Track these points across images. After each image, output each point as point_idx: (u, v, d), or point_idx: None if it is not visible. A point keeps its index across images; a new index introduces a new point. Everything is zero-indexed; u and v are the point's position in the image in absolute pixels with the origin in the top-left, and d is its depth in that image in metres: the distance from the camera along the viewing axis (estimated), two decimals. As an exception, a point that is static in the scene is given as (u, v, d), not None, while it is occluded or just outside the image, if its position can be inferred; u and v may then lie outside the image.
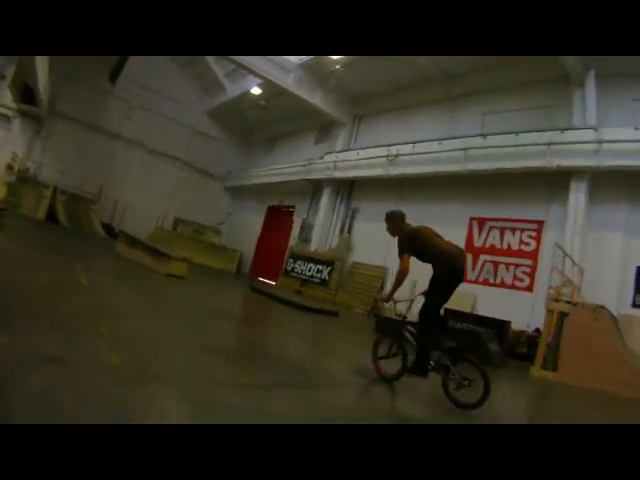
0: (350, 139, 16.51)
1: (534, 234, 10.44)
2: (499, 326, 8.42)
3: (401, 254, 3.66)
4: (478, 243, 11.33)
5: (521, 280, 10.33)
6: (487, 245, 11.16)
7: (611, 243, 9.19)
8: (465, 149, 11.07)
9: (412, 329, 3.82)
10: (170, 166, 20.96)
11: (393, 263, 9.46)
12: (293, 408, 2.61)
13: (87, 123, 18.51)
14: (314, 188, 16.78)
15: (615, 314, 7.71)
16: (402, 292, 3.85)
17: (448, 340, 3.59)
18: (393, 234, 3.93)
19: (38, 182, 16.77)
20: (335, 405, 2.90)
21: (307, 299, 11.84)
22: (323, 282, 14.21)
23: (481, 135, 11.14)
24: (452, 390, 3.49)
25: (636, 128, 8.66)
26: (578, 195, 9.55)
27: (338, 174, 15.18)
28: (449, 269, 3.56)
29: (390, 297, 3.81)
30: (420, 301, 3.74)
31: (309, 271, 14.81)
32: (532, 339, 9.02)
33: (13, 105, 16.80)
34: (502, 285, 10.58)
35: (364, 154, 14.25)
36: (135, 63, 17.50)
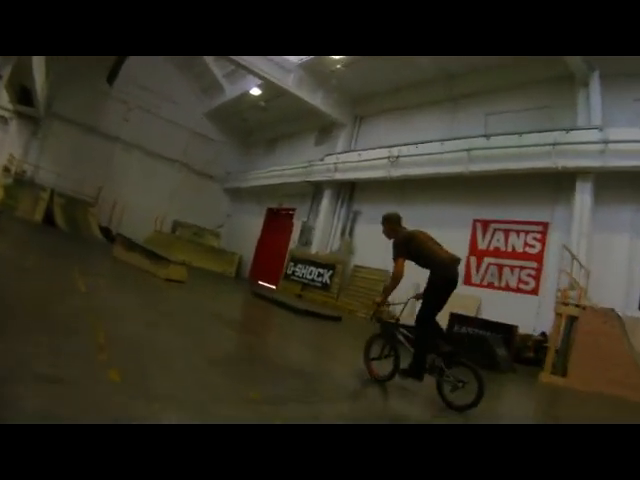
0: (351, 140, 16.36)
1: (539, 236, 10.30)
2: (506, 331, 8.28)
3: (396, 258, 3.72)
4: (482, 245, 11.18)
5: (526, 283, 10.17)
6: (491, 248, 11.01)
7: (617, 244, 9.08)
8: (468, 150, 10.93)
9: (405, 332, 3.89)
10: (169, 168, 20.76)
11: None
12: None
13: (85, 125, 18.30)
14: (314, 190, 16.61)
15: (621, 316, 7.58)
16: (402, 294, 3.79)
17: (445, 344, 3.61)
18: (389, 237, 3.97)
19: (35, 184, 16.59)
20: (346, 417, 2.74)
21: (308, 303, 11.67)
22: (324, 286, 14.03)
23: (484, 136, 11.01)
24: (446, 392, 3.54)
25: (642, 128, 8.56)
26: (584, 196, 9.41)
27: (339, 176, 15.02)
28: (442, 277, 3.61)
29: (384, 300, 3.87)
30: (413, 304, 3.78)
31: (310, 275, 14.63)
32: (539, 343, 8.88)
33: (10, 106, 16.61)
34: (507, 288, 10.43)
35: (365, 155, 14.10)
36: (133, 64, 17.36)
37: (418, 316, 3.67)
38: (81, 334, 3.08)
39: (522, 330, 8.93)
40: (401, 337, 3.88)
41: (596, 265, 8.85)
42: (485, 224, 11.25)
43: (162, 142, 20.06)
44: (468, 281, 10.99)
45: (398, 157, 12.78)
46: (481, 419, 3.35)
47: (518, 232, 10.61)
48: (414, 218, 11.43)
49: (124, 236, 10.72)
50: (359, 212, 15.02)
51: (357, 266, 13.99)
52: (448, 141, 11.70)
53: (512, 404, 5.15)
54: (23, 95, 15.41)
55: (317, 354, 5.64)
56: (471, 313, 9.87)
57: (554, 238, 9.99)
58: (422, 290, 3.74)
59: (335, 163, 15.13)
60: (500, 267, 10.67)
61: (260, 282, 17.17)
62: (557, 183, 10.12)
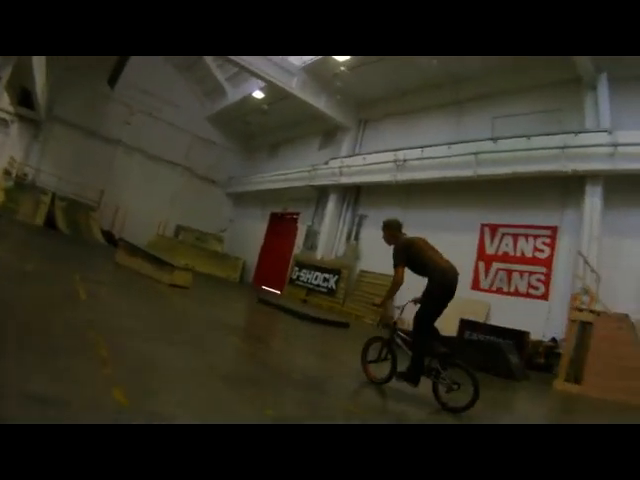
0: (355, 144, 16.22)
1: (548, 240, 10.13)
2: (518, 337, 8.10)
3: (396, 265, 3.76)
4: (490, 250, 11.02)
5: (536, 288, 10.00)
6: (500, 252, 10.83)
7: (627, 248, 8.94)
8: (476, 153, 10.79)
9: (403, 335, 3.93)
10: (171, 172, 20.64)
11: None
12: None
13: (86, 128, 18.20)
14: (319, 194, 16.44)
15: (632, 321, 7.43)
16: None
17: (441, 346, 3.64)
18: (389, 243, 4.01)
19: (36, 188, 16.48)
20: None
21: (314, 309, 11.49)
22: (330, 291, 13.86)
23: (492, 139, 10.88)
24: (442, 393, 3.58)
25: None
26: (594, 200, 9.28)
27: (344, 180, 14.88)
28: (441, 285, 3.64)
29: (382, 303, 3.97)
30: (411, 308, 3.84)
31: (315, 280, 14.46)
32: (550, 349, 8.71)
33: (11, 109, 16.52)
34: (516, 293, 10.25)
35: (371, 159, 13.97)
36: (135, 67, 17.30)
37: (416, 321, 3.70)
38: (82, 348, 2.90)
39: (532, 336, 8.76)
40: (399, 340, 3.92)
41: (606, 269, 8.69)
42: (493, 228, 11.09)
43: (164, 146, 19.97)
44: (477, 286, 10.82)
45: (405, 161, 12.64)
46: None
47: (527, 236, 10.45)
48: (421, 222, 11.44)
49: (126, 241, 10.55)
50: (365, 216, 14.82)
51: (363, 271, 13.81)
52: (455, 144, 11.56)
53: (530, 413, 4.97)
54: (24, 97, 15.34)
55: (329, 363, 5.47)
56: (480, 319, 9.70)
57: (563, 242, 9.86)
58: (420, 295, 3.77)
59: (340, 167, 14.99)
60: (509, 272, 10.50)
61: (264, 287, 16.99)
62: (565, 187, 9.99)
